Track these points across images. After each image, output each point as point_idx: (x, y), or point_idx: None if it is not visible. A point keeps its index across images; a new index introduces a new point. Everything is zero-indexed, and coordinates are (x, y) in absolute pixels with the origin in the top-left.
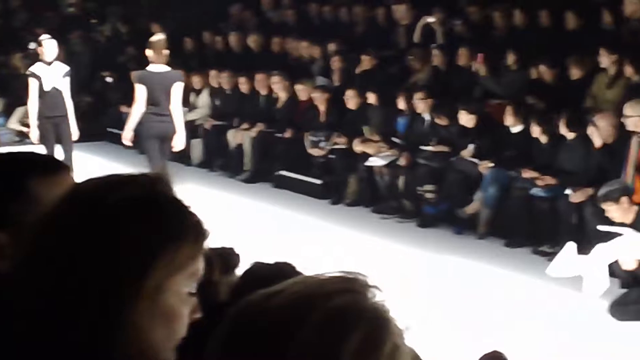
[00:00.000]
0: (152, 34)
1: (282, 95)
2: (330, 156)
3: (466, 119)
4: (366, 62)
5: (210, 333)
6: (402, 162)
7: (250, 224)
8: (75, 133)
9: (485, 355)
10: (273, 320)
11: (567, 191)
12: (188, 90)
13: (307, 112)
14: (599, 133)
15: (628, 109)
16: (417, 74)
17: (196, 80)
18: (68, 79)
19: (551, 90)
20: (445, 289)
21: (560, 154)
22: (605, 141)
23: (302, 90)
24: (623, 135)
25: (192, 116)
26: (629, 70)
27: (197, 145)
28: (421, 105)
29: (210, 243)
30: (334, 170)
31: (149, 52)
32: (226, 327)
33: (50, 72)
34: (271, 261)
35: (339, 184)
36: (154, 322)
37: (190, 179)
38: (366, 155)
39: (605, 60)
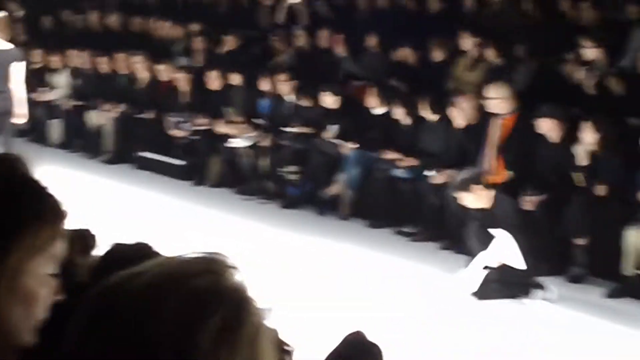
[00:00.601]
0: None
1: (143, 75)
2: (193, 137)
3: (329, 101)
4: (229, 43)
5: (71, 314)
6: (265, 143)
7: (111, 206)
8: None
9: (347, 335)
10: (133, 302)
11: (429, 173)
12: (47, 70)
13: (169, 93)
14: (460, 114)
15: (489, 91)
16: (281, 55)
17: (55, 60)
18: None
19: (413, 72)
20: (309, 270)
21: (422, 135)
22: (467, 122)
23: (163, 71)
24: (484, 117)
25: (51, 96)
26: (489, 53)
27: (56, 126)
28: (284, 86)
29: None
30: (196, 151)
31: None
32: (86, 309)
33: None
34: (132, 242)
35: (201, 166)
36: (13, 305)
37: (49, 159)
38: (229, 137)
39: (467, 43)
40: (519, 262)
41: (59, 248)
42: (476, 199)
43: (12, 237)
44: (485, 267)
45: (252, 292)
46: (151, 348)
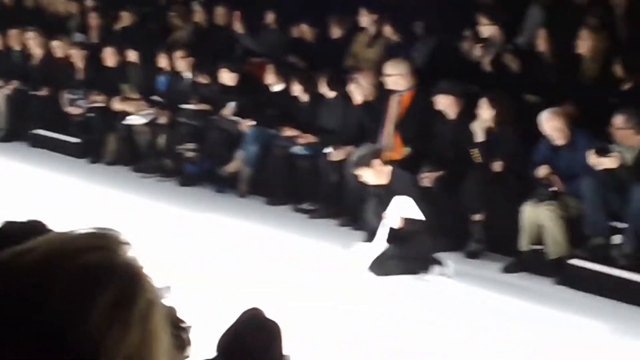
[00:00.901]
0: None
1: (37, 51)
2: (89, 115)
3: (227, 78)
4: (125, 19)
5: None
6: (162, 120)
7: (4, 184)
8: None
9: (244, 312)
10: (22, 279)
11: (327, 150)
12: None
13: (64, 69)
14: (359, 91)
15: (388, 68)
16: (178, 31)
17: None
18: None
19: (312, 49)
20: (206, 248)
21: (320, 112)
22: (366, 99)
23: (58, 47)
24: (383, 94)
25: None
26: (388, 30)
27: None
28: (182, 63)
29: None
30: (92, 129)
31: None
32: None
33: None
34: (24, 219)
35: (97, 143)
36: None
37: None
38: (126, 114)
39: (365, 19)
40: (418, 214)
41: None
42: (374, 175)
43: None
44: (384, 242)
45: (145, 269)
46: (41, 325)
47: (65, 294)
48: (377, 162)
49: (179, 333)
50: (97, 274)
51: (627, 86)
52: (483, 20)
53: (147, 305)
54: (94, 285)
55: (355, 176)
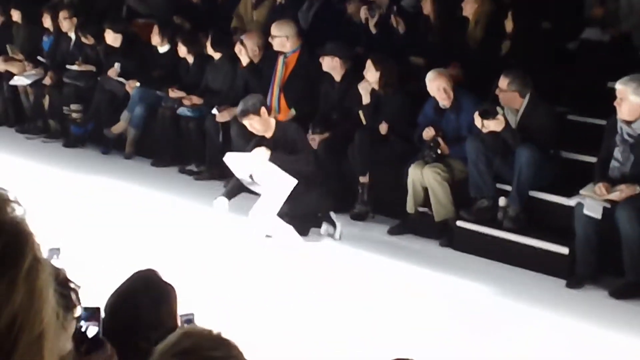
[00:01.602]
0: None
1: None
2: None
3: (112, 38)
4: None
5: None
6: (47, 81)
7: None
8: None
9: (136, 272)
10: None
11: (214, 111)
12: None
13: None
14: (245, 52)
15: (273, 29)
16: None
17: None
18: None
19: (198, 10)
20: (92, 210)
21: (207, 73)
22: (252, 60)
23: None
24: (269, 55)
25: None
26: None
27: None
28: (66, 23)
29: None
30: None
31: None
32: None
33: None
34: None
35: None
36: None
37: None
38: (10, 75)
39: None
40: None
41: None
42: (260, 123)
43: None
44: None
45: (32, 228)
46: None
47: None
48: (263, 110)
49: (67, 293)
50: None
51: (506, 50)
52: None
53: (33, 264)
54: None
55: (239, 136)
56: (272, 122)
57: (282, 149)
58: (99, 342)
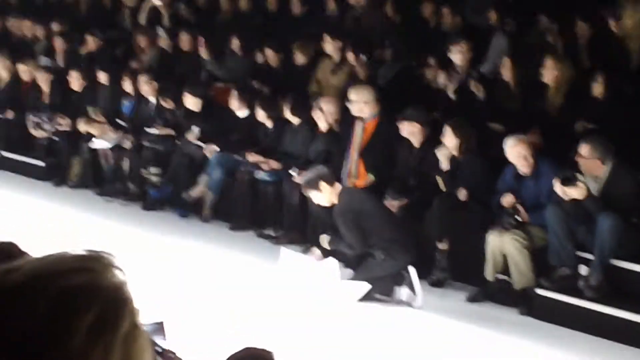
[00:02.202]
0: None
1: (3, 75)
2: (53, 138)
3: (191, 102)
4: (91, 43)
5: None
6: (127, 144)
7: None
8: None
9: (241, 351)
10: (7, 296)
11: (292, 171)
12: None
13: (30, 92)
14: (323, 118)
15: (352, 94)
16: (143, 56)
17: None
18: None
19: (276, 74)
20: (171, 272)
21: (284, 138)
22: (330, 126)
23: (24, 71)
24: (347, 120)
25: None
26: (351, 57)
27: None
28: (147, 87)
29: None
30: (57, 151)
31: None
32: None
33: None
34: None
35: (62, 166)
36: None
37: None
38: (90, 137)
39: (329, 46)
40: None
41: None
42: (328, 196)
43: None
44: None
45: (131, 292)
46: (25, 344)
47: (46, 314)
48: (324, 184)
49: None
50: (79, 295)
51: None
52: (448, 47)
53: (131, 329)
54: (76, 306)
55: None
56: (335, 191)
57: (345, 218)
58: (166, 354)
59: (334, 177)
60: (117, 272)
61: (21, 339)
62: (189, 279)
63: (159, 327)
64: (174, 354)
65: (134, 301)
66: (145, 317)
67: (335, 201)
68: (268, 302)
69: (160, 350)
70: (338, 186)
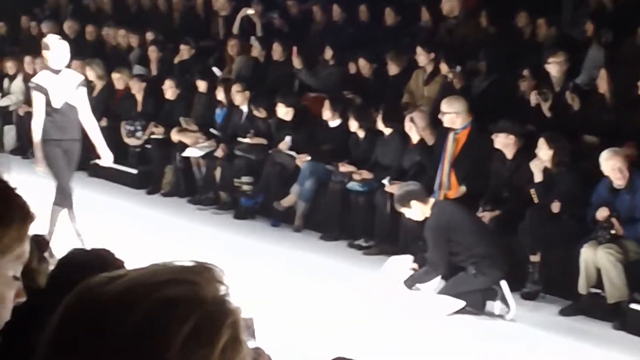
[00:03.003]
0: None
1: (98, 83)
2: (147, 146)
3: (284, 112)
4: (184, 52)
5: (32, 319)
6: (219, 153)
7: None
8: (107, 156)
9: None
10: (105, 305)
11: (384, 181)
12: (2, 76)
13: (124, 101)
14: (415, 130)
15: (444, 106)
16: (236, 65)
17: (10, 66)
18: (84, 90)
19: (369, 85)
20: (263, 280)
21: (377, 148)
22: (422, 137)
23: (119, 79)
24: (440, 132)
25: (5, 102)
26: (444, 68)
27: (10, 132)
28: (239, 97)
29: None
30: (150, 160)
31: None
32: (60, 312)
33: (60, 83)
34: (89, 248)
35: (155, 174)
36: None
37: (3, 165)
38: (183, 146)
39: (422, 58)
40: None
41: (25, 250)
42: (420, 212)
43: None
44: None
45: (232, 304)
46: (123, 350)
47: (146, 324)
48: (414, 203)
49: None
50: (179, 306)
51: None
52: (543, 59)
53: (230, 343)
54: (174, 317)
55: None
56: (428, 206)
57: (435, 233)
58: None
59: (425, 192)
60: (220, 286)
61: (122, 345)
62: (279, 286)
63: (249, 324)
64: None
65: (237, 315)
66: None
67: (428, 215)
68: (356, 311)
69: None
70: (431, 201)
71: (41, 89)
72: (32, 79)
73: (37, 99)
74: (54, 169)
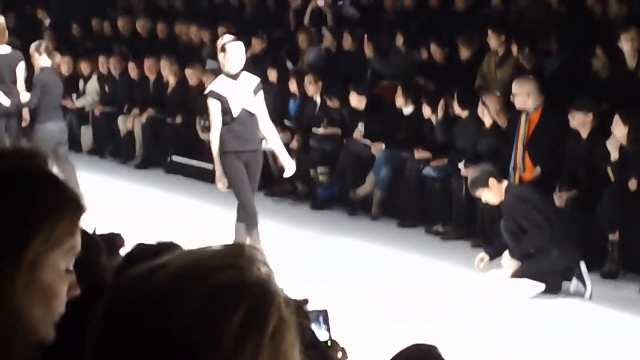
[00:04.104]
0: (38, 21)
1: (171, 80)
2: None
3: (357, 101)
4: (256, 45)
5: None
6: (294, 144)
7: (142, 210)
8: (290, 167)
9: (412, 346)
10: (155, 295)
11: (460, 165)
12: (76, 77)
13: (198, 96)
14: (488, 113)
15: (515, 87)
16: (308, 55)
17: (84, 66)
18: (261, 95)
19: (441, 70)
20: (341, 271)
21: (452, 133)
22: (495, 121)
23: (192, 75)
24: (513, 114)
25: (81, 102)
26: (516, 50)
27: (87, 132)
28: (312, 87)
29: (101, 229)
30: None
31: None
32: (107, 301)
33: (238, 89)
34: (155, 242)
35: None
36: (32, 299)
37: (80, 166)
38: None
39: (493, 41)
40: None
41: (77, 242)
42: (493, 194)
43: (29, 230)
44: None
45: (278, 286)
46: (173, 343)
47: (197, 312)
48: (492, 181)
49: (313, 354)
50: (230, 292)
51: None
52: (621, 35)
53: (279, 325)
54: (225, 304)
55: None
56: (503, 188)
57: (510, 215)
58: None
59: (501, 174)
60: (262, 266)
61: (172, 338)
62: (359, 277)
63: (324, 315)
64: (338, 344)
65: (280, 295)
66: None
67: (503, 198)
68: (435, 296)
69: (324, 340)
70: (505, 182)
71: (218, 96)
72: (209, 87)
73: (214, 107)
74: (234, 184)
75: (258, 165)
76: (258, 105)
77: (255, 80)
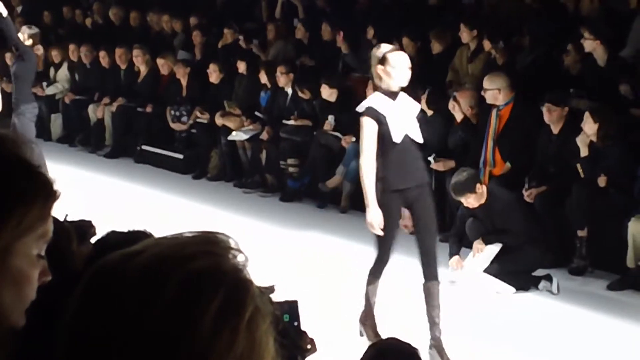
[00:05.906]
0: (11, 8)
1: (143, 69)
2: (192, 130)
3: (328, 93)
4: (228, 36)
5: (63, 301)
6: (264, 136)
7: (111, 199)
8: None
9: (382, 340)
10: (130, 283)
11: (429, 158)
12: (47, 64)
13: (169, 86)
14: (459, 108)
15: (486, 82)
16: (273, 49)
17: (55, 54)
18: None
19: (413, 64)
20: (309, 263)
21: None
22: (466, 116)
23: (163, 64)
24: (484, 109)
25: (51, 90)
26: (488, 45)
27: (57, 120)
28: (283, 79)
29: (70, 217)
30: (195, 144)
31: None
32: (83, 287)
33: (399, 110)
34: (127, 230)
35: (201, 159)
36: (3, 285)
37: (50, 154)
38: (228, 130)
39: (466, 35)
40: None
41: (49, 228)
42: (479, 198)
43: (1, 216)
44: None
45: (251, 273)
46: (150, 332)
47: (174, 299)
48: (479, 186)
49: (287, 343)
50: (207, 280)
51: None
52: (586, 34)
53: (255, 313)
54: (202, 292)
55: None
56: (485, 191)
57: (491, 217)
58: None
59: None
60: (237, 254)
61: (148, 327)
62: (327, 271)
63: (294, 306)
64: (307, 335)
65: (255, 284)
66: (278, 296)
67: (483, 201)
68: (404, 290)
69: (293, 330)
70: (485, 186)
71: (376, 116)
72: (365, 102)
73: (369, 128)
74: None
75: (424, 203)
76: (418, 133)
77: (417, 106)
